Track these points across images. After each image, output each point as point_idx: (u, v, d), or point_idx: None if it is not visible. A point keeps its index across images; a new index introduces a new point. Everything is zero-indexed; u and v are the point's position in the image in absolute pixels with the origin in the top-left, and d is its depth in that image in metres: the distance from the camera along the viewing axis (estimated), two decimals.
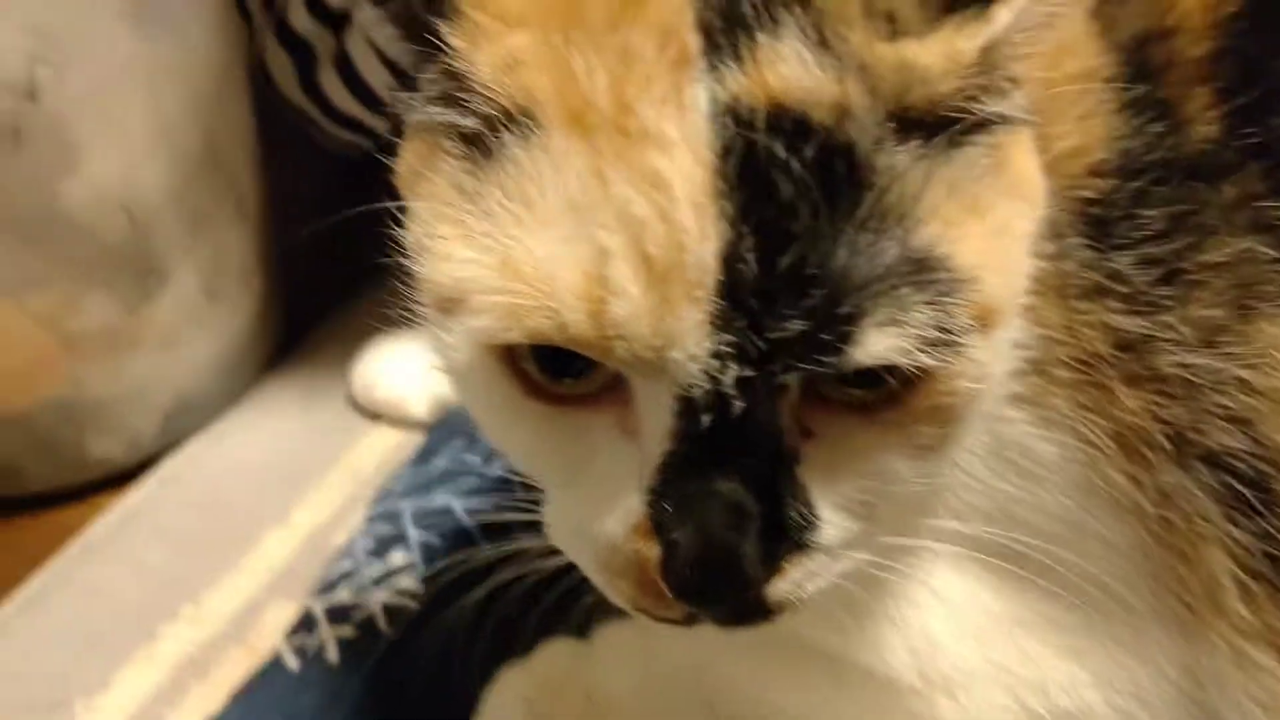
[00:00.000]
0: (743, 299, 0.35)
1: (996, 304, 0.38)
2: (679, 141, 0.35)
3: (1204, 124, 0.45)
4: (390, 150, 0.43)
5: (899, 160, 0.36)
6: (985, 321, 0.38)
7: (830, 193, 0.35)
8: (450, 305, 0.39)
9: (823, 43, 0.35)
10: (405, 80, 0.41)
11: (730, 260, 0.35)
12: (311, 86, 0.99)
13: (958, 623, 0.50)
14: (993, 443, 0.47)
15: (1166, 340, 0.44)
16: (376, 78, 0.95)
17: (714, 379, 0.36)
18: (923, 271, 0.35)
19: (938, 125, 0.37)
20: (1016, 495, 0.48)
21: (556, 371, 0.39)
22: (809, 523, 0.39)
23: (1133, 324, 0.44)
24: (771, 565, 0.39)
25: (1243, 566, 0.45)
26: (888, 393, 0.38)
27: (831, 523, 0.40)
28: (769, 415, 0.37)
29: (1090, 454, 0.46)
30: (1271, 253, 0.43)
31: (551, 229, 0.36)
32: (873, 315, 0.35)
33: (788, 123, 0.35)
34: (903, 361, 0.36)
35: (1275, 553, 0.44)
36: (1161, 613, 0.48)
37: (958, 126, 0.37)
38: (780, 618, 0.41)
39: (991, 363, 0.39)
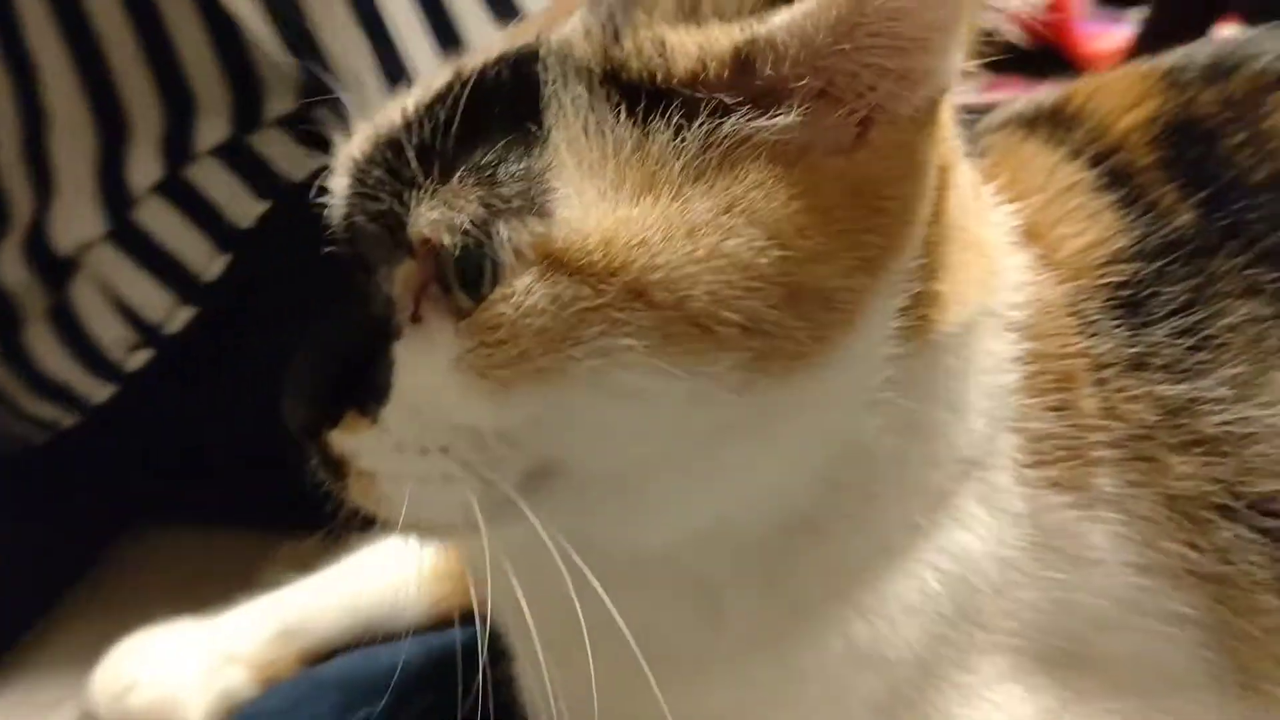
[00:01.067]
0: (369, 156, 0.43)
1: (560, 254, 0.38)
2: None
3: (1182, 214, 0.50)
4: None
5: (572, 100, 0.40)
6: (550, 262, 0.38)
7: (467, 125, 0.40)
8: None
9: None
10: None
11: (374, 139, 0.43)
12: (11, 350, 0.82)
13: None
14: (1036, 534, 0.47)
15: (1209, 402, 0.47)
16: (109, 332, 0.82)
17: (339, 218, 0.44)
18: (502, 182, 0.39)
19: (654, 93, 0.40)
20: (1068, 582, 0.47)
21: None
22: (381, 393, 0.42)
23: (1176, 391, 0.47)
24: (333, 410, 0.42)
25: None
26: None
27: (397, 406, 0.42)
28: (382, 279, 0.42)
29: (1143, 529, 0.47)
30: (1268, 311, 0.48)
31: None
32: (421, 194, 0.40)
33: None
34: (435, 236, 0.39)
35: None
36: (1220, 677, 0.48)
37: (669, 101, 0.39)
38: (353, 484, 0.43)
39: (549, 311, 0.38)
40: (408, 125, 0.42)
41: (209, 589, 0.74)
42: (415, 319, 0.42)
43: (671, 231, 0.38)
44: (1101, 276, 0.49)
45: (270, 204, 0.82)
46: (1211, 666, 0.48)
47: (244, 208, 0.82)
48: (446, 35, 0.76)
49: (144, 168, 0.80)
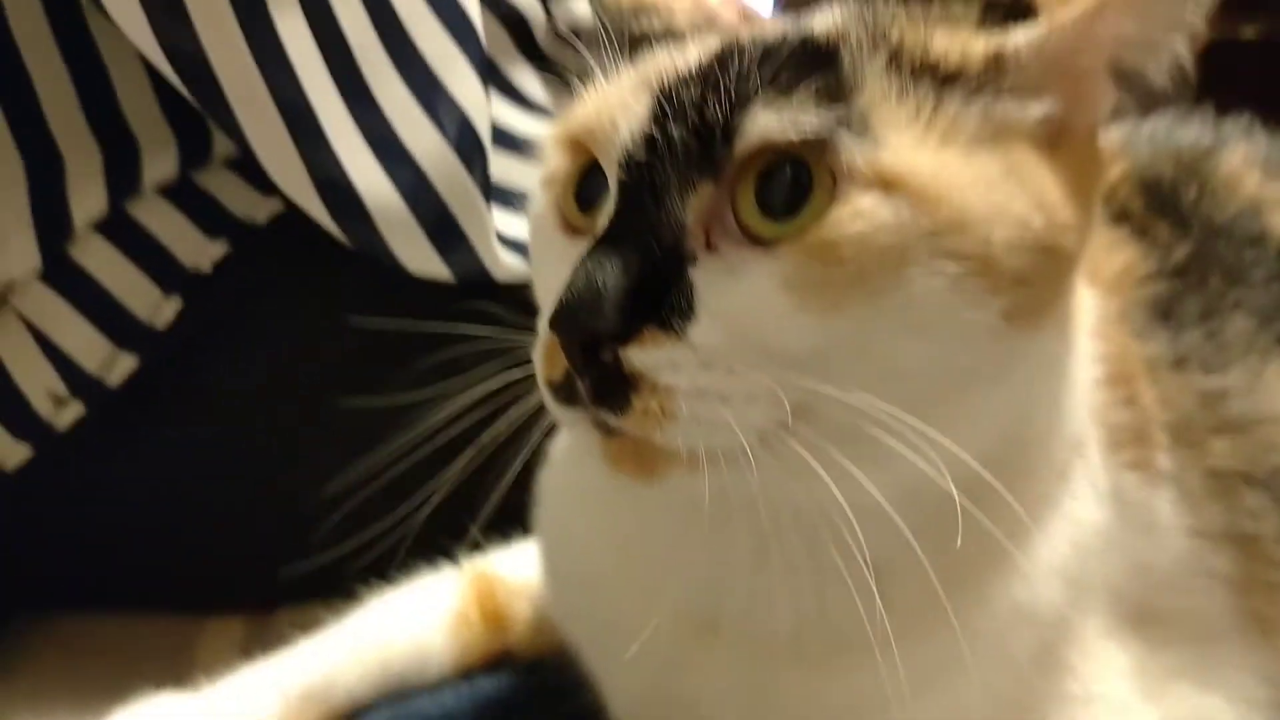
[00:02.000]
0: (674, 88, 0.46)
1: (898, 177, 0.43)
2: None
3: (1178, 248, 0.62)
4: None
5: (873, 69, 0.46)
6: (887, 184, 0.43)
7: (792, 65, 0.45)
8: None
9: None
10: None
11: (682, 76, 0.47)
12: None
13: (1134, 688, 0.56)
14: (1118, 507, 0.56)
15: (1234, 392, 0.58)
16: (35, 381, 0.75)
17: (635, 144, 0.46)
18: (836, 105, 0.44)
19: (935, 78, 0.46)
20: (1143, 547, 0.56)
21: (583, 207, 0.51)
22: (683, 312, 0.44)
23: (1209, 383, 0.58)
24: (633, 325, 0.43)
25: None
26: (786, 219, 0.44)
27: (707, 326, 0.44)
28: (675, 207, 0.45)
29: (1192, 499, 0.58)
30: (1251, 322, 0.60)
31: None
32: (764, 100, 0.44)
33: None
34: (778, 135, 0.43)
35: None
36: (1245, 626, 0.59)
37: (948, 85, 0.46)
38: (639, 403, 0.44)
39: (892, 229, 0.43)
40: (720, 61, 0.46)
41: (113, 676, 0.68)
42: (710, 247, 0.45)
43: (975, 182, 0.44)
44: (1140, 292, 0.60)
45: (225, 246, 0.78)
46: (1240, 616, 0.58)
47: (195, 248, 0.77)
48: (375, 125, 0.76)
49: (87, 201, 0.74)
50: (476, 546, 0.74)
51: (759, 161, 0.44)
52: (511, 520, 0.70)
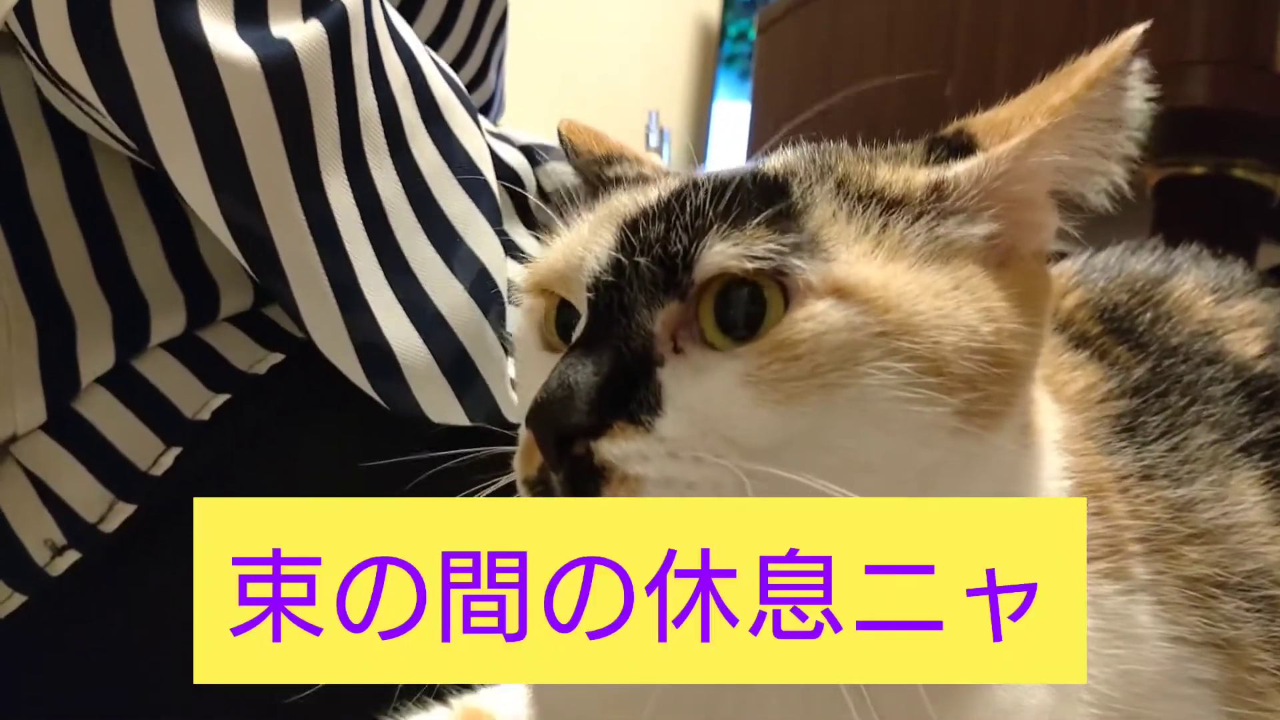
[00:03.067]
0: (636, 222, 0.50)
1: (849, 286, 0.47)
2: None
3: (1136, 369, 0.65)
4: None
5: (821, 194, 0.50)
6: (839, 293, 0.47)
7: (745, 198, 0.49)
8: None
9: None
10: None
11: (644, 210, 0.51)
12: None
13: None
14: (1098, 619, 0.57)
15: (1200, 501, 0.60)
16: (33, 530, 0.76)
17: (603, 269, 0.50)
18: (787, 232, 0.48)
19: (880, 203, 0.51)
20: (1126, 655, 0.57)
21: (564, 335, 0.54)
22: (651, 407, 0.47)
23: (1178, 494, 0.59)
24: (604, 419, 0.46)
25: (1276, 665, 0.60)
26: (743, 338, 0.48)
27: (674, 419, 0.47)
28: (643, 318, 0.48)
29: (1170, 607, 0.59)
30: (1212, 436, 0.63)
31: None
32: (719, 233, 0.48)
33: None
34: (732, 264, 0.47)
35: None
36: None
37: (892, 209, 0.51)
38: (609, 493, 0.46)
39: (843, 329, 0.47)
40: (679, 196, 0.50)
41: None
42: (677, 350, 0.49)
43: (924, 291, 0.48)
44: (1103, 410, 0.62)
45: (226, 396, 0.80)
46: None
47: (196, 399, 0.80)
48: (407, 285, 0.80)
49: (96, 359, 0.77)
50: (467, 685, 0.74)
51: (718, 284, 0.48)
52: None
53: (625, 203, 0.54)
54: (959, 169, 0.52)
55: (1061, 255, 0.73)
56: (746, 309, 0.48)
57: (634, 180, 0.61)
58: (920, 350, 0.47)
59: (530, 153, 0.97)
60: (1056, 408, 0.61)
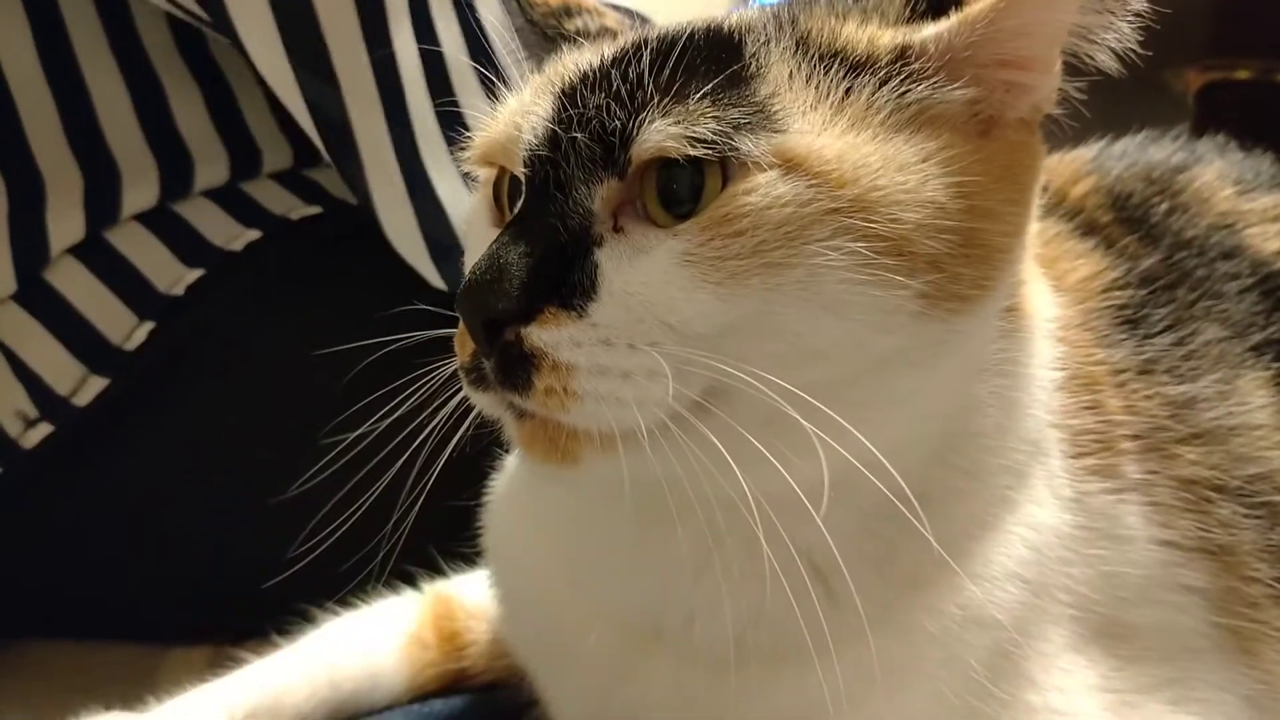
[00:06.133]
0: (574, 90, 0.47)
1: (798, 158, 0.43)
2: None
3: (1146, 258, 0.61)
4: None
5: (778, 54, 0.46)
6: (788, 165, 0.43)
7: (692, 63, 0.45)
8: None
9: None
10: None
11: (582, 75, 0.47)
12: None
13: (1101, 705, 0.53)
14: (1082, 516, 0.54)
15: (1202, 400, 0.56)
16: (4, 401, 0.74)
17: (538, 141, 0.46)
18: (735, 104, 0.44)
19: (843, 65, 0.46)
20: (1110, 557, 0.54)
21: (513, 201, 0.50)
22: (586, 291, 0.44)
23: (1179, 390, 0.56)
24: (534, 304, 0.44)
25: (1273, 575, 0.57)
26: (687, 214, 0.44)
27: (608, 303, 0.44)
28: (580, 195, 0.45)
29: (1162, 510, 0.55)
30: (1223, 333, 0.59)
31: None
32: (660, 109, 0.44)
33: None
34: (671, 146, 0.43)
35: None
36: (1224, 644, 0.56)
37: (857, 71, 0.46)
38: (540, 382, 0.43)
39: (789, 204, 0.43)
40: (620, 62, 0.46)
41: (72, 704, 0.66)
42: (618, 230, 0.45)
43: (887, 164, 0.44)
44: (1105, 300, 0.58)
45: (200, 273, 0.78)
46: (1218, 634, 0.55)
47: (170, 274, 0.78)
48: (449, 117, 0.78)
49: (66, 228, 0.75)
50: (442, 571, 0.73)
51: (660, 160, 0.44)
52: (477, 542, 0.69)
53: (568, 66, 0.49)
54: (928, 32, 0.47)
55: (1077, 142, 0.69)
56: (691, 181, 0.44)
57: (596, 35, 0.57)
58: (877, 229, 0.43)
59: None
60: (1055, 295, 0.57)
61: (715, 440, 0.43)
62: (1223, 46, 1.13)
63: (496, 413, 0.47)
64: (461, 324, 0.46)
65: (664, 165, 0.44)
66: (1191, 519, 0.55)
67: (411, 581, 0.72)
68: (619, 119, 0.44)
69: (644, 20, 0.59)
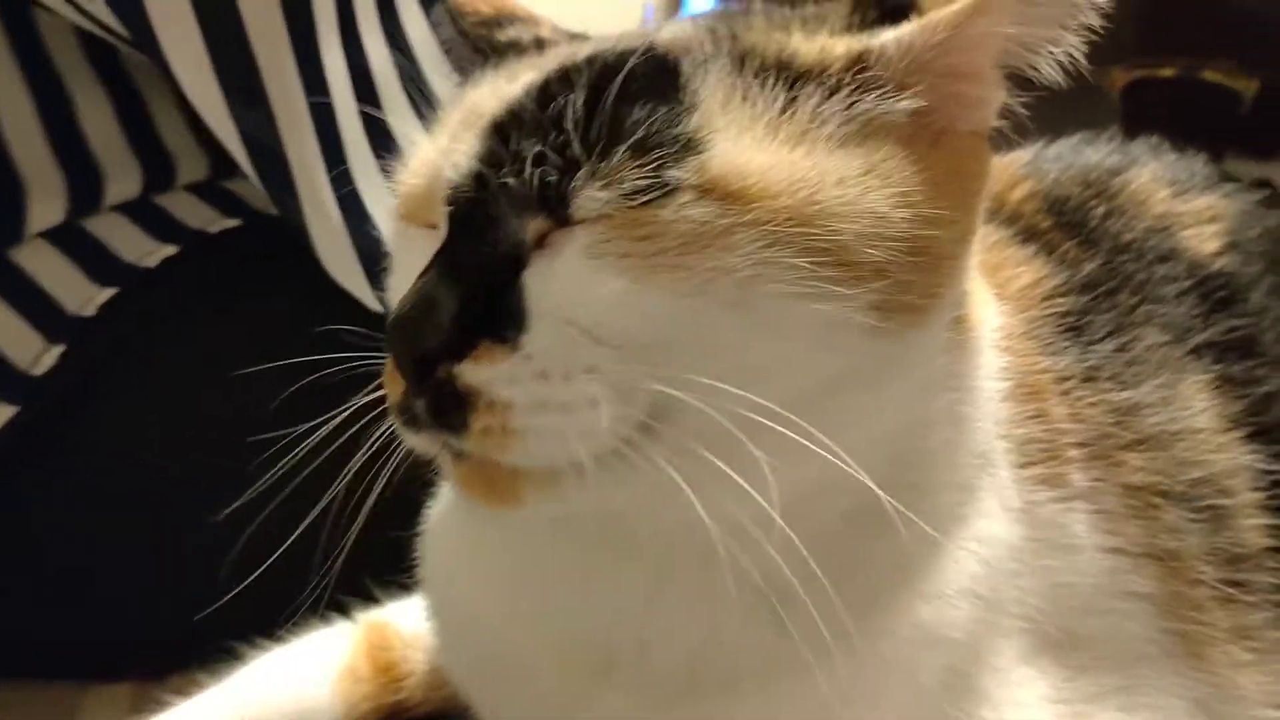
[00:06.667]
0: (502, 128, 0.44)
1: (727, 181, 0.42)
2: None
3: (1086, 264, 0.60)
4: None
5: (715, 73, 0.44)
6: (705, 186, 0.42)
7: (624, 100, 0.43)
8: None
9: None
10: None
11: (510, 110, 0.45)
12: None
13: (1054, 715, 0.53)
14: (1031, 527, 0.53)
15: (1146, 406, 0.56)
16: None
17: (464, 180, 0.44)
18: (662, 144, 0.42)
19: (786, 78, 0.45)
20: (1059, 568, 0.53)
21: None
22: (517, 320, 0.42)
23: (1122, 397, 0.55)
24: (466, 339, 0.41)
25: (1218, 578, 0.57)
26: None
27: (539, 330, 0.42)
28: (511, 228, 0.43)
29: (1109, 517, 0.55)
30: (1163, 337, 0.59)
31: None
32: (590, 170, 0.42)
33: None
34: (608, 210, 0.42)
35: (1234, 559, 0.57)
36: (1173, 649, 0.56)
37: (801, 83, 0.45)
38: (476, 423, 0.41)
39: (698, 218, 0.41)
40: (549, 99, 0.44)
41: None
42: (540, 245, 0.43)
43: (825, 178, 0.42)
44: (1047, 307, 0.58)
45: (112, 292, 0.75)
46: (1166, 639, 0.55)
47: (82, 294, 0.74)
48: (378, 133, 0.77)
49: (44, 218, 0.73)
50: (375, 600, 0.70)
51: None
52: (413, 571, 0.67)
53: (493, 97, 0.47)
54: (887, 37, 0.45)
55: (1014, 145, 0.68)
56: None
57: (529, 46, 0.54)
58: (816, 242, 0.41)
59: None
60: (998, 304, 0.57)
61: (664, 463, 0.41)
62: (1147, 45, 1.14)
63: (431, 452, 0.44)
64: (390, 361, 0.44)
65: None
66: (1138, 525, 0.55)
67: (345, 611, 0.69)
68: (554, 172, 0.43)
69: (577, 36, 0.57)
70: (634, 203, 0.41)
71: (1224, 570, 0.57)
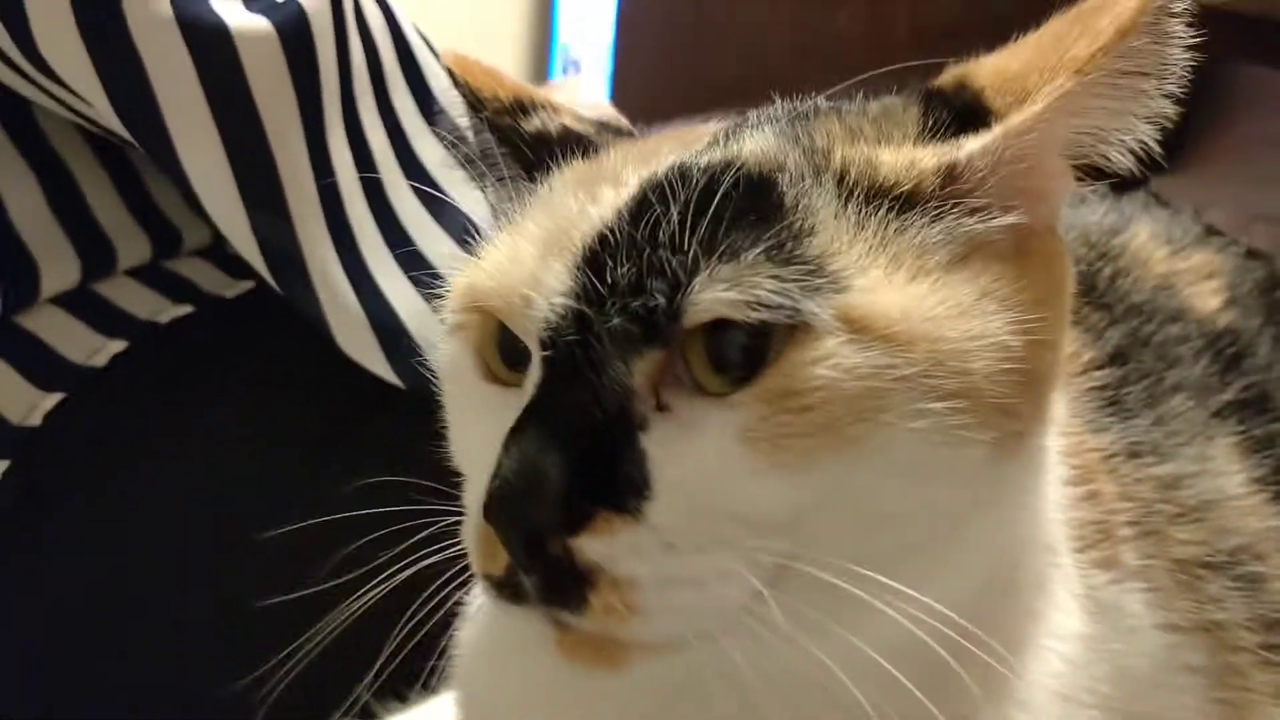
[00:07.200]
0: (597, 257, 0.40)
1: (865, 320, 0.39)
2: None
3: (1110, 332, 0.60)
4: None
5: (822, 201, 0.41)
6: (854, 328, 0.39)
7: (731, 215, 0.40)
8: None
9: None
10: None
11: (601, 236, 0.41)
12: None
13: None
14: (1095, 611, 0.52)
15: (1186, 476, 0.56)
16: None
17: (562, 321, 0.40)
18: (790, 261, 0.39)
19: (891, 202, 0.42)
20: (1124, 650, 0.53)
21: (510, 364, 0.45)
22: (639, 488, 0.38)
23: (1165, 470, 0.55)
24: (581, 511, 0.38)
25: (1258, 643, 0.57)
26: (742, 378, 0.40)
27: (667, 501, 0.38)
28: (618, 373, 0.39)
29: (1159, 595, 0.55)
30: (1189, 402, 0.59)
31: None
32: (710, 272, 0.38)
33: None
34: (730, 313, 0.38)
35: (1271, 624, 0.58)
36: (1226, 717, 0.56)
37: (906, 209, 0.42)
38: (598, 600, 0.38)
39: (863, 374, 0.39)
40: (644, 218, 0.40)
41: None
42: (661, 407, 0.40)
43: (950, 311, 0.40)
44: (1085, 383, 0.57)
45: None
46: (1217, 709, 0.56)
47: (88, 346, 0.71)
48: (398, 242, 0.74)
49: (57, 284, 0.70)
50: (369, 714, 0.66)
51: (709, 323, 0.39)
52: (410, 680, 0.62)
53: (572, 218, 0.43)
54: (972, 148, 0.42)
55: None
56: (744, 346, 0.39)
57: (559, 138, 0.51)
58: (952, 385, 0.39)
59: None
60: None
61: (789, 626, 0.38)
62: None
63: (530, 624, 0.41)
64: (481, 531, 0.40)
65: (713, 326, 0.39)
66: (1187, 599, 0.55)
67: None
68: (663, 293, 0.39)
69: (614, 129, 0.54)
70: (768, 317, 0.38)
71: (1263, 635, 0.57)
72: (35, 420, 0.67)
